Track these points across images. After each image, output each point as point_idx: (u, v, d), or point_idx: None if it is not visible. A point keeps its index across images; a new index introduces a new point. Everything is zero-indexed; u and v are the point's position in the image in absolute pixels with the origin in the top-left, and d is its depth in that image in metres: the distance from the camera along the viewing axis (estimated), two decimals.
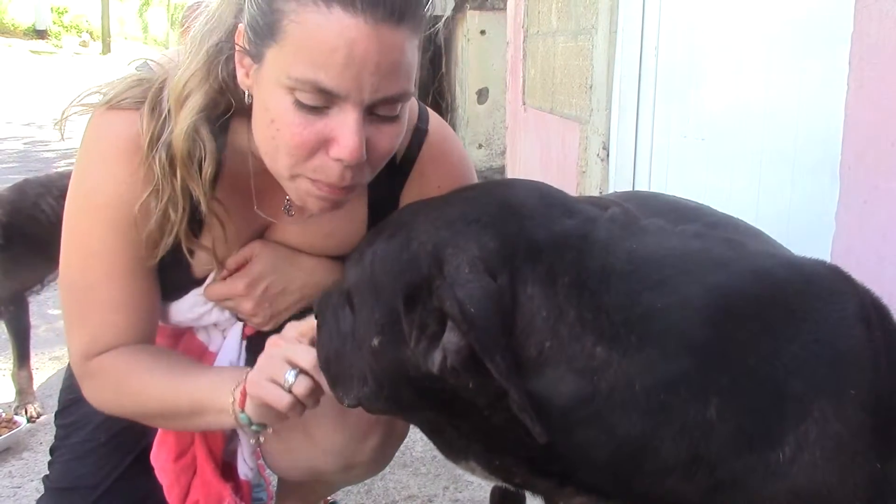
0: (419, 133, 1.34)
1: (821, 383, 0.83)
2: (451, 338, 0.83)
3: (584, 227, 0.90)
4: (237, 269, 1.37)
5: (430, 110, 1.40)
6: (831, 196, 1.66)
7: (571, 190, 3.28)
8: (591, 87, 3.08)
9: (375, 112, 1.07)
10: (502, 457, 0.92)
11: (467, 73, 6.09)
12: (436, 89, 7.15)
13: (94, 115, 1.24)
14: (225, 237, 1.28)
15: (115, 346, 1.29)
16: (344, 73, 1.01)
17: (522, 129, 4.44)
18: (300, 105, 1.05)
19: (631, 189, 2.80)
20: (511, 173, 4.88)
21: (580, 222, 0.91)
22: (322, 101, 1.04)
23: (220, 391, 1.23)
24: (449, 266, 0.85)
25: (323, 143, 1.07)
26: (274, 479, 1.77)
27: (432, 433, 1.00)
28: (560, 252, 0.87)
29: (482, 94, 6.10)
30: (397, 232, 0.94)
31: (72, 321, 1.30)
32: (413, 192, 1.34)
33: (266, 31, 1.05)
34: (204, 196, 1.21)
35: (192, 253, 1.28)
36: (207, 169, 1.19)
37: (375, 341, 0.93)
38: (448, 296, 0.83)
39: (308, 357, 1.12)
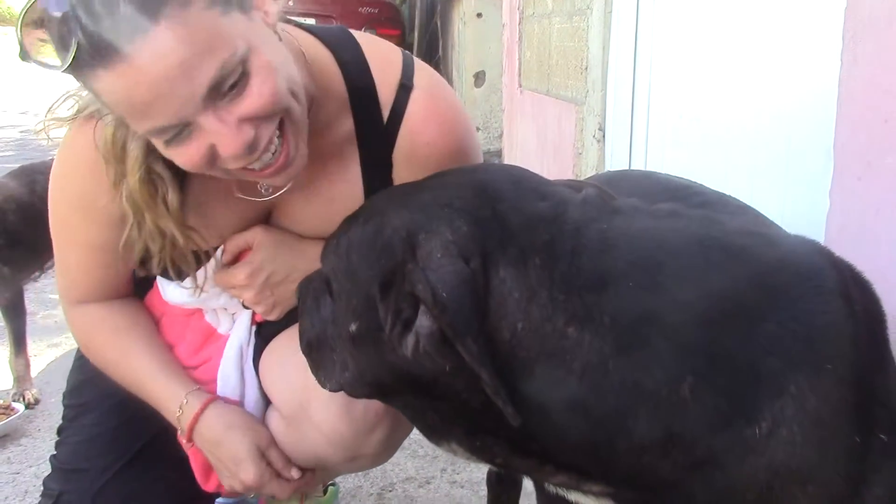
0: (404, 90, 1.31)
1: (797, 359, 0.84)
2: (423, 321, 0.84)
3: (557, 210, 0.90)
4: (239, 255, 1.37)
5: (419, 63, 1.36)
6: (825, 173, 1.66)
7: (568, 171, 3.28)
8: (586, 69, 3.08)
9: (222, 91, 1.04)
10: (483, 438, 0.93)
11: (464, 56, 6.08)
12: None
13: (73, 124, 1.25)
14: (215, 232, 1.33)
15: (92, 300, 1.40)
16: (156, 109, 1.01)
17: (519, 112, 4.43)
18: (167, 141, 1.07)
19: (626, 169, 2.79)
20: (508, 156, 4.87)
21: (553, 205, 0.91)
22: (176, 130, 1.05)
23: (169, 405, 1.39)
24: (422, 250, 0.86)
25: (212, 149, 1.08)
26: None
27: (415, 417, 1.01)
28: (532, 234, 0.87)
29: (479, 78, 6.09)
30: (372, 218, 0.95)
31: (57, 268, 1.42)
32: (404, 149, 1.32)
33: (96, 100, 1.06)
34: (178, 228, 1.23)
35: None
36: (173, 201, 1.21)
37: (353, 327, 0.94)
38: (420, 279, 0.83)
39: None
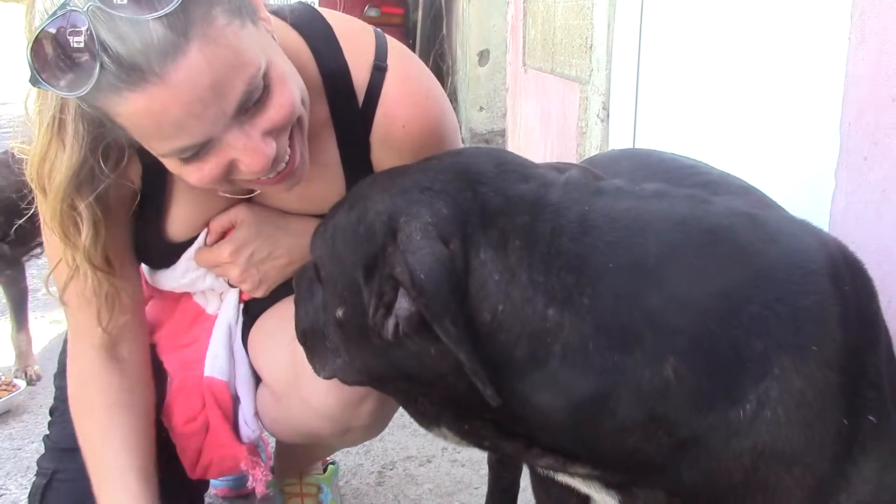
0: (378, 72, 1.29)
1: (781, 341, 0.84)
2: (402, 304, 0.85)
3: (538, 192, 0.91)
4: (223, 234, 1.37)
5: (391, 42, 1.34)
6: (831, 153, 1.64)
7: (572, 150, 3.27)
8: (591, 47, 3.06)
9: (247, 107, 1.03)
10: (470, 421, 0.94)
11: (468, 34, 6.04)
12: (437, 52, 7.09)
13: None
14: (201, 220, 1.35)
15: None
16: (186, 130, 0.99)
17: (523, 91, 4.41)
18: (185, 160, 1.05)
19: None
20: (512, 135, 4.85)
21: (534, 187, 0.92)
22: (197, 148, 1.03)
23: None
24: (402, 234, 0.87)
25: (231, 164, 1.07)
26: (272, 440, 1.78)
27: (405, 402, 1.02)
28: (512, 216, 0.88)
29: (483, 56, 6.06)
30: (356, 204, 0.96)
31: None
32: (380, 132, 1.32)
33: (108, 121, 1.03)
34: (90, 267, 1.21)
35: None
36: (87, 241, 1.18)
37: (340, 312, 0.95)
38: (399, 262, 0.85)
39: None
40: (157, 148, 1.04)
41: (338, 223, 0.97)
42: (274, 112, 1.06)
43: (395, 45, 1.33)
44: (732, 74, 2.17)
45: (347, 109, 1.29)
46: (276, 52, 1.09)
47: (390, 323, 0.86)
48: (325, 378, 1.07)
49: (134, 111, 0.96)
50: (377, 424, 1.52)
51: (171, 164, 1.07)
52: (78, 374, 1.40)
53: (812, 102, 1.76)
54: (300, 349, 1.17)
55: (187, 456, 1.51)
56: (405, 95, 1.30)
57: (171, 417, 1.51)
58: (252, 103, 1.03)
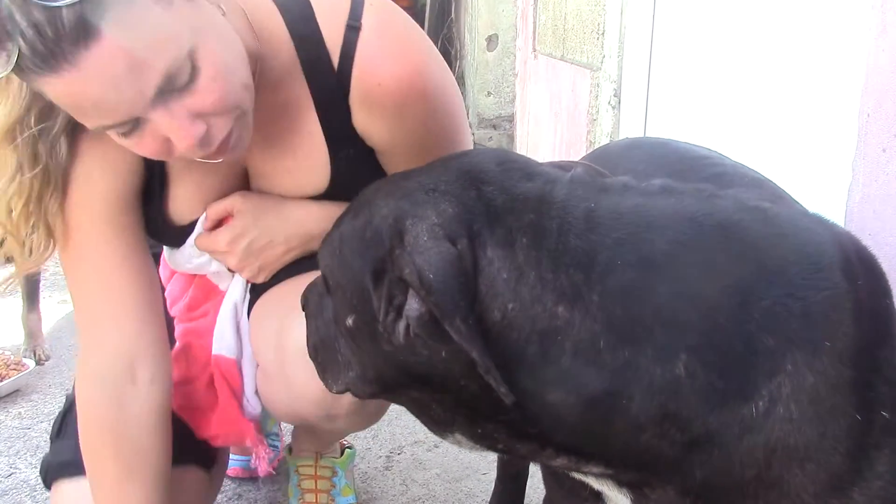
0: (352, 32, 1.26)
1: (793, 337, 0.84)
2: (412, 304, 0.86)
3: (543, 189, 0.91)
4: (220, 221, 1.40)
5: None
6: (848, 143, 1.63)
7: (582, 138, 3.25)
8: (603, 34, 3.04)
9: (172, 88, 1.06)
10: (484, 424, 0.95)
11: (477, 19, 6.00)
12: (445, 36, 7.05)
13: None
14: (199, 199, 1.37)
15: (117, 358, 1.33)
16: (105, 110, 1.04)
17: (532, 77, 4.39)
18: (122, 134, 1.09)
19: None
20: (520, 121, 4.84)
21: (539, 184, 0.92)
22: (128, 126, 1.07)
23: None
24: (409, 236, 0.88)
25: (168, 140, 1.10)
26: (287, 431, 1.78)
27: (419, 411, 1.02)
28: (518, 214, 0.89)
29: (492, 41, 6.01)
30: (360, 210, 0.97)
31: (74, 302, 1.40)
32: (358, 94, 1.29)
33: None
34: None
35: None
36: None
37: (350, 320, 0.96)
38: (407, 263, 0.85)
39: None
40: (86, 124, 1.07)
41: (343, 231, 0.98)
42: (200, 98, 1.08)
43: (373, 1, 1.29)
44: (748, 63, 2.15)
45: (322, 74, 1.28)
46: (212, 29, 1.10)
47: (401, 326, 0.87)
48: (338, 392, 1.07)
49: (54, 93, 1.02)
50: (361, 413, 1.50)
51: (112, 136, 1.10)
52: (84, 404, 1.37)
53: (830, 92, 1.74)
54: (285, 331, 1.18)
55: (193, 418, 1.51)
56: (379, 52, 1.26)
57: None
58: (178, 85, 1.05)
